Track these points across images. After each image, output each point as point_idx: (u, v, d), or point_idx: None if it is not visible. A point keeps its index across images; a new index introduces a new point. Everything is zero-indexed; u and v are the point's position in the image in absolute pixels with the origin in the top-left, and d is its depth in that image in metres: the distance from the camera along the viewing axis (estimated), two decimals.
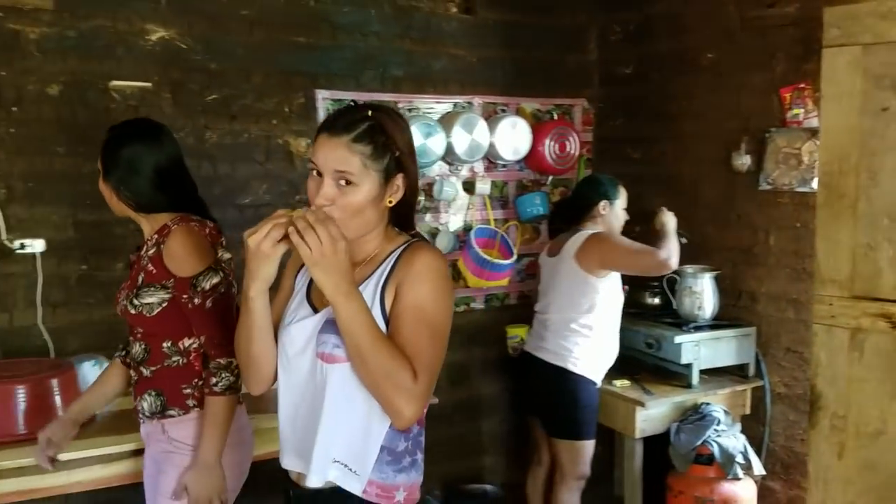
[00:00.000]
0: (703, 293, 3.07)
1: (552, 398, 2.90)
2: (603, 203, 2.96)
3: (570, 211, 3.08)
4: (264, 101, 3.11)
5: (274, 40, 3.12)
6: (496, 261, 3.40)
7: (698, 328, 3.06)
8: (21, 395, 2.28)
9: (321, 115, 3.19)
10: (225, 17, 3.02)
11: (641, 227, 3.44)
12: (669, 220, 2.92)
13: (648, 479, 3.05)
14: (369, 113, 1.44)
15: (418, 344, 1.39)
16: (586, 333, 2.85)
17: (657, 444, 3.02)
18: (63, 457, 2.15)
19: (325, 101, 3.21)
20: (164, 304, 1.92)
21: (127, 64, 2.87)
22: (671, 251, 2.78)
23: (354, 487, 1.47)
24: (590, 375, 2.86)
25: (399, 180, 1.46)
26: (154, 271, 1.92)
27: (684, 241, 2.96)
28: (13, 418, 2.25)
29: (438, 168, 3.46)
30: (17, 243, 2.69)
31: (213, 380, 1.88)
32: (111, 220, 2.83)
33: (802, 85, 2.91)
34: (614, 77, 3.80)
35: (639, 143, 3.69)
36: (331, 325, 1.42)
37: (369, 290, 1.45)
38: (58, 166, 2.78)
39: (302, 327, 1.49)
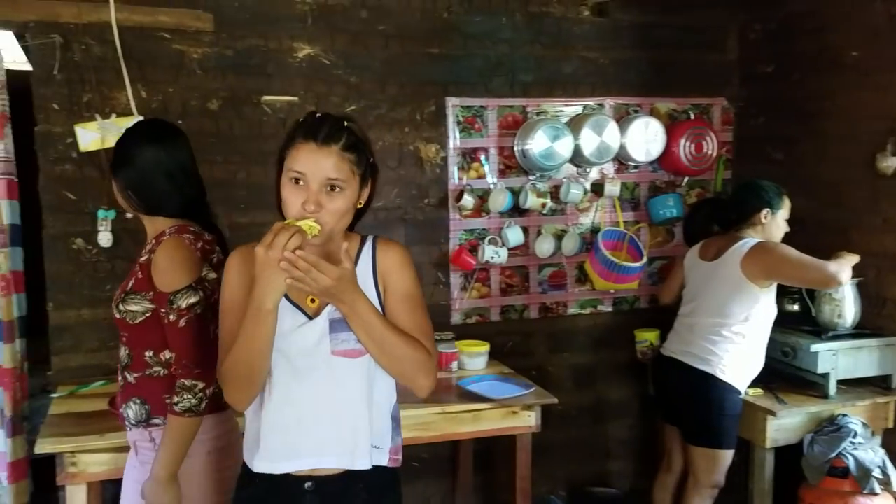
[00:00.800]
0: (843, 300, 2.90)
1: (695, 404, 2.84)
2: (765, 211, 2.89)
3: (728, 215, 3.01)
4: (397, 110, 3.29)
5: (408, 52, 3.29)
6: (624, 263, 3.38)
7: (837, 337, 2.90)
8: None
9: (451, 122, 3.34)
10: (364, 33, 3.22)
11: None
12: (850, 255, 2.82)
13: (782, 491, 2.93)
14: (345, 123, 1.54)
15: (422, 325, 1.60)
16: (737, 341, 2.78)
17: (791, 456, 2.89)
18: None
19: (454, 107, 3.34)
20: (147, 314, 1.88)
21: (277, 80, 3.14)
22: (843, 267, 2.70)
23: (382, 460, 1.64)
24: (735, 384, 2.79)
25: (369, 184, 1.59)
26: (141, 278, 1.90)
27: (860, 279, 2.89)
28: None
29: (566, 170, 3.49)
30: None
31: (175, 399, 1.82)
32: (264, 221, 3.14)
33: None
34: (755, 76, 3.66)
35: (780, 144, 3.53)
36: (339, 325, 1.54)
37: (367, 287, 1.56)
38: (216, 174, 3.09)
39: (306, 333, 1.56)
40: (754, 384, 2.93)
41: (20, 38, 2.87)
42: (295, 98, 3.16)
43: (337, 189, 1.48)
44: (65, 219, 2.92)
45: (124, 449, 2.30)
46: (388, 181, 3.30)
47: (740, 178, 3.55)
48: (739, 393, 2.81)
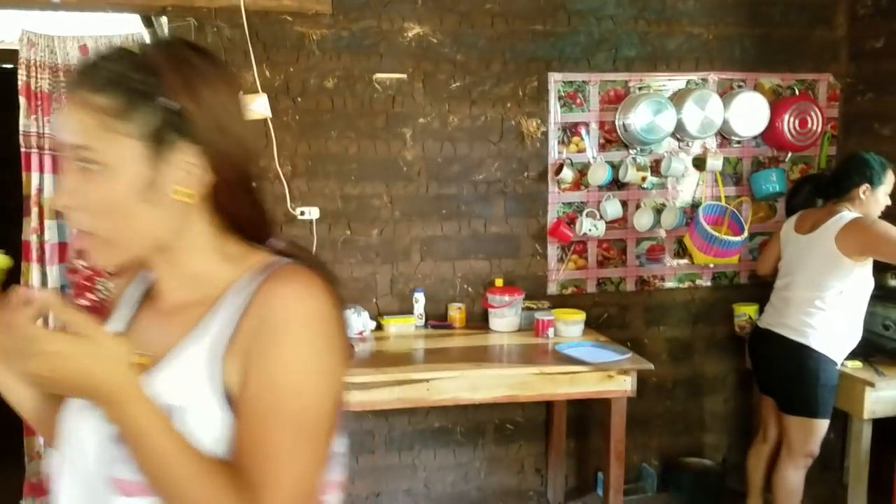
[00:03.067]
0: None
1: (790, 373, 2.87)
2: (864, 187, 2.86)
3: (829, 187, 3.00)
4: (501, 86, 3.41)
5: (513, 30, 3.40)
6: (724, 237, 3.40)
7: None
8: None
9: (553, 98, 3.43)
10: (472, 12, 3.36)
11: (892, 206, 3.23)
12: None
13: (879, 463, 2.91)
14: (136, 50, 0.91)
15: (273, 453, 0.85)
16: (832, 314, 2.79)
17: (890, 429, 2.86)
18: None
19: (556, 83, 3.44)
20: None
21: (388, 58, 3.32)
22: None
23: None
24: (830, 354, 2.80)
25: (188, 153, 0.90)
26: None
27: None
28: None
29: (667, 145, 3.53)
30: (298, 211, 3.27)
31: None
32: (371, 193, 3.36)
33: None
34: (863, 52, 3.57)
35: (888, 120, 3.44)
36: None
37: (197, 365, 0.89)
38: (331, 148, 3.32)
39: (84, 421, 0.92)
40: (854, 357, 2.91)
41: (154, 21, 3.16)
42: (404, 76, 3.34)
43: (86, 164, 0.87)
44: None
45: None
46: (489, 155, 3.44)
47: (846, 154, 3.49)
48: (835, 364, 2.81)
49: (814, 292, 2.82)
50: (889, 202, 2.92)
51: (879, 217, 2.87)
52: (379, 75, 3.32)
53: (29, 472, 3.11)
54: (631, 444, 3.54)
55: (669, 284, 3.66)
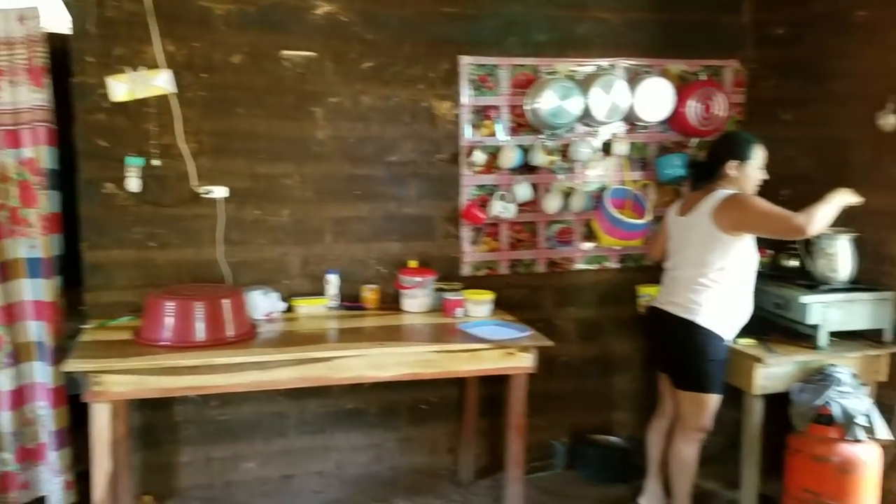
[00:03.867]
0: (837, 255, 2.97)
1: (679, 350, 2.96)
2: (733, 163, 2.94)
3: (702, 170, 3.09)
4: (413, 67, 3.41)
5: (424, 11, 3.40)
6: (628, 220, 3.48)
7: (831, 290, 2.97)
8: (199, 310, 2.77)
9: (464, 80, 3.45)
10: None
11: (791, 190, 3.36)
12: (838, 195, 2.80)
13: (771, 438, 3.04)
14: None
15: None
16: (716, 290, 2.87)
17: (782, 405, 2.98)
18: (229, 360, 2.63)
19: (468, 66, 3.46)
20: None
21: (296, 36, 3.28)
22: (812, 218, 2.68)
23: None
24: (717, 330, 2.89)
25: None
26: None
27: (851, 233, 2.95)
28: (191, 329, 2.75)
29: (576, 129, 3.59)
30: (203, 189, 3.22)
31: None
32: (282, 172, 3.33)
33: None
34: (768, 38, 3.69)
35: (790, 105, 3.57)
36: None
37: None
38: (239, 125, 3.27)
39: None
40: (747, 334, 3.02)
41: None
42: (314, 54, 3.30)
43: None
44: (97, 165, 3.12)
45: (145, 371, 2.53)
46: (402, 136, 3.44)
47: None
48: (723, 340, 2.90)
49: (698, 270, 2.90)
50: (762, 176, 3.00)
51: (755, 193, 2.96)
52: (287, 52, 3.28)
53: None
54: (541, 422, 3.61)
55: (579, 266, 3.74)
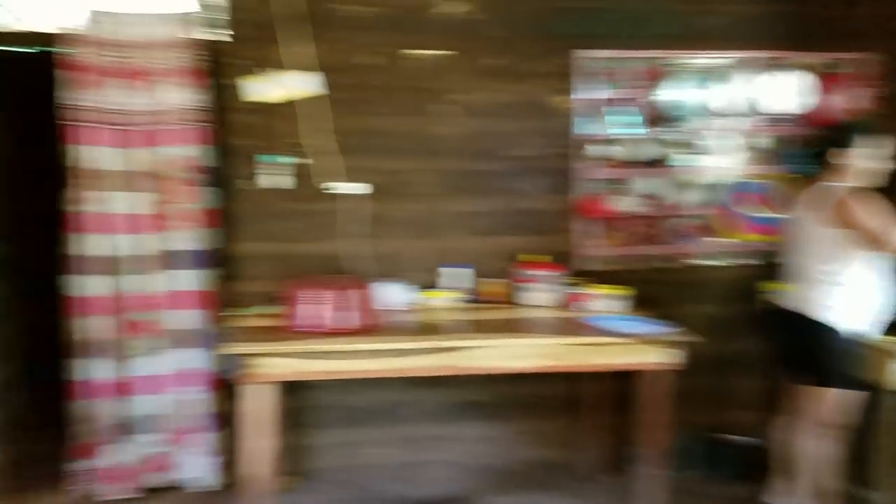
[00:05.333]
0: None
1: (801, 345, 2.92)
2: (841, 151, 2.83)
3: (814, 159, 2.99)
4: (532, 62, 3.46)
5: (545, 7, 3.45)
6: (758, 214, 3.42)
7: None
8: (345, 299, 2.90)
9: (584, 74, 3.47)
10: None
11: None
12: None
13: None
14: None
15: None
16: (837, 284, 2.82)
17: None
18: (373, 346, 2.75)
19: (589, 59, 3.47)
20: None
21: (425, 35, 3.39)
22: None
23: None
24: (840, 324, 2.82)
25: None
26: None
27: None
28: (338, 316, 2.89)
29: (705, 122, 3.54)
30: (338, 185, 3.36)
31: None
32: (411, 168, 3.44)
33: None
34: None
35: None
36: None
37: None
38: (372, 123, 3.40)
39: None
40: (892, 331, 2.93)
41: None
42: (447, 52, 3.40)
43: None
44: (246, 163, 3.31)
45: (298, 354, 2.67)
46: (523, 131, 3.49)
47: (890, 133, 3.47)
48: (846, 333, 2.83)
49: (819, 265, 2.85)
50: (882, 166, 2.88)
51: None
52: (421, 52, 3.38)
53: (73, 435, 3.25)
54: (667, 420, 3.58)
55: (704, 262, 3.69)
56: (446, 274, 3.47)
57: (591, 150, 3.48)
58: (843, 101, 3.51)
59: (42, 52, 3.25)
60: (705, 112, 3.48)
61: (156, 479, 3.33)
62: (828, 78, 3.54)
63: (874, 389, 2.96)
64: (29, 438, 3.46)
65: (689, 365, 3.62)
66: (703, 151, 3.53)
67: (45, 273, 3.41)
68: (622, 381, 3.35)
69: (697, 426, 3.76)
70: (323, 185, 3.35)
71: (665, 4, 3.51)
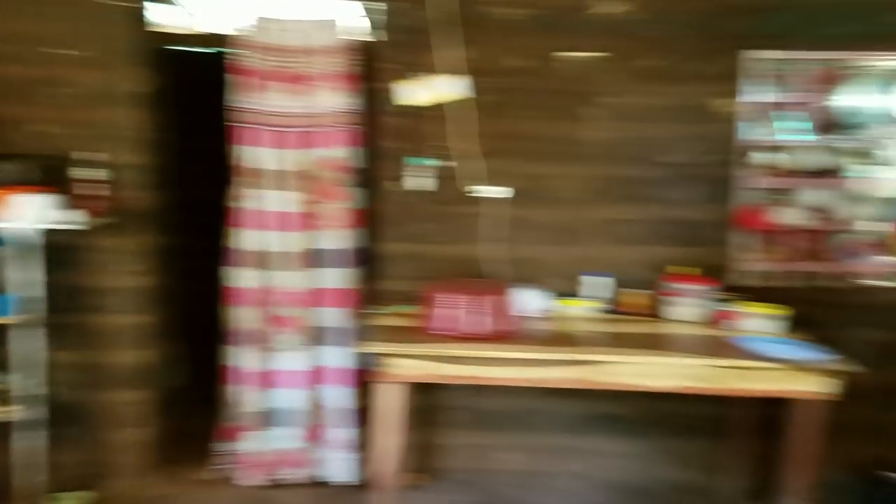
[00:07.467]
0: None
1: None
2: None
3: None
4: (694, 63, 3.28)
5: (712, 4, 3.26)
6: None
7: None
8: (483, 305, 2.87)
9: (750, 76, 3.25)
10: None
11: None
12: None
13: None
14: None
15: None
16: None
17: None
18: (507, 355, 2.73)
19: (755, 60, 3.24)
20: None
21: (576, 37, 3.30)
22: None
23: None
24: None
25: None
26: None
27: None
28: (475, 321, 2.86)
29: (881, 129, 3.22)
30: (482, 189, 3.36)
31: None
32: (555, 173, 3.38)
33: None
34: None
35: None
36: None
37: None
38: (519, 127, 3.36)
39: None
40: None
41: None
42: (599, 54, 3.30)
43: None
44: (392, 165, 3.39)
45: (432, 358, 2.68)
46: (683, 136, 3.33)
47: None
48: None
49: None
50: None
51: None
52: (573, 54, 3.31)
53: (223, 417, 3.47)
54: (822, 452, 3.30)
55: (874, 282, 3.35)
56: (587, 283, 3.38)
57: (755, 157, 3.25)
58: None
59: (215, 53, 3.49)
60: (886, 119, 3.15)
61: (293, 474, 3.47)
62: None
63: None
64: (182, 415, 3.74)
65: (850, 395, 3.32)
66: (881, 162, 3.21)
67: (210, 262, 3.66)
68: (774, 407, 3.12)
69: (857, 462, 3.44)
70: (466, 189, 3.37)
71: (843, 1, 3.21)
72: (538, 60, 3.32)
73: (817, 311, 3.37)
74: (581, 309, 3.32)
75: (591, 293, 3.36)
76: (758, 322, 3.07)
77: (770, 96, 3.26)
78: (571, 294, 3.39)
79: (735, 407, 3.33)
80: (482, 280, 3.32)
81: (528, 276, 3.40)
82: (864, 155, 3.24)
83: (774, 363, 2.69)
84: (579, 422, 3.57)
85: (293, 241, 3.34)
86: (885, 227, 3.28)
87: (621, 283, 3.39)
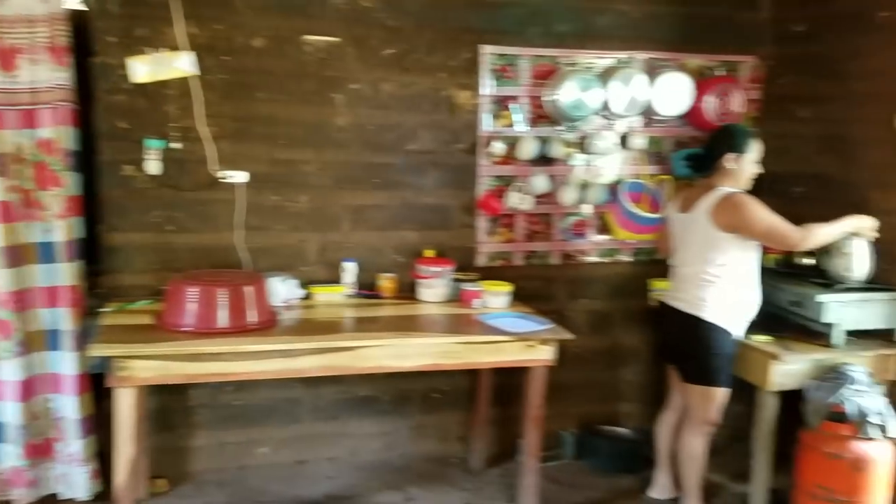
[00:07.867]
0: (853, 255, 2.99)
1: (686, 345, 3.01)
2: (731, 155, 2.94)
3: (700, 162, 3.08)
4: (434, 55, 3.39)
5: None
6: (644, 214, 3.49)
7: (847, 290, 3.01)
8: (222, 297, 2.75)
9: (485, 70, 3.44)
10: None
11: (805, 188, 3.39)
12: (852, 221, 2.95)
13: (784, 434, 3.08)
14: None
15: None
16: (719, 284, 2.91)
17: (795, 402, 3.02)
18: (254, 348, 2.63)
19: (489, 55, 3.44)
20: None
21: (319, 21, 3.25)
22: (811, 236, 2.86)
23: None
24: (722, 324, 2.93)
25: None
26: None
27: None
28: (214, 315, 2.73)
29: (594, 122, 3.58)
30: (223, 174, 3.20)
31: None
32: (300, 158, 3.31)
33: None
34: (787, 35, 3.69)
35: (807, 103, 3.59)
36: None
37: None
38: (260, 110, 3.24)
39: None
40: (763, 332, 3.06)
41: None
42: (336, 39, 3.28)
43: None
44: (117, 147, 3.09)
45: (171, 357, 2.51)
46: (421, 125, 3.43)
47: (766, 135, 3.62)
48: (729, 333, 2.94)
49: (701, 266, 2.94)
50: (758, 170, 3.02)
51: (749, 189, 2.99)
52: (309, 37, 3.25)
53: None
54: (550, 412, 3.59)
55: (592, 259, 3.75)
56: (344, 268, 3.36)
57: (491, 146, 3.46)
58: (725, 104, 3.61)
59: None
60: (600, 111, 3.51)
61: (20, 495, 3.06)
62: (712, 80, 3.65)
63: (754, 389, 3.08)
64: None
65: (573, 359, 3.70)
66: (596, 150, 3.57)
67: None
68: (514, 375, 3.38)
69: (584, 418, 3.85)
70: (214, 173, 3.18)
71: (564, 1, 3.51)
72: (280, 42, 3.22)
73: (548, 287, 3.71)
74: (333, 295, 3.31)
75: (343, 278, 3.36)
76: (498, 300, 3.28)
77: (505, 89, 3.48)
78: (323, 280, 3.37)
79: (486, 378, 3.53)
80: (230, 270, 3.17)
81: (279, 264, 3.31)
82: (581, 145, 3.59)
83: (507, 336, 2.90)
84: (339, 407, 3.58)
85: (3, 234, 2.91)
86: (601, 210, 3.67)
87: (373, 268, 3.43)
